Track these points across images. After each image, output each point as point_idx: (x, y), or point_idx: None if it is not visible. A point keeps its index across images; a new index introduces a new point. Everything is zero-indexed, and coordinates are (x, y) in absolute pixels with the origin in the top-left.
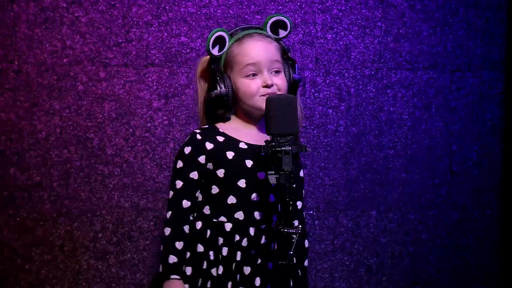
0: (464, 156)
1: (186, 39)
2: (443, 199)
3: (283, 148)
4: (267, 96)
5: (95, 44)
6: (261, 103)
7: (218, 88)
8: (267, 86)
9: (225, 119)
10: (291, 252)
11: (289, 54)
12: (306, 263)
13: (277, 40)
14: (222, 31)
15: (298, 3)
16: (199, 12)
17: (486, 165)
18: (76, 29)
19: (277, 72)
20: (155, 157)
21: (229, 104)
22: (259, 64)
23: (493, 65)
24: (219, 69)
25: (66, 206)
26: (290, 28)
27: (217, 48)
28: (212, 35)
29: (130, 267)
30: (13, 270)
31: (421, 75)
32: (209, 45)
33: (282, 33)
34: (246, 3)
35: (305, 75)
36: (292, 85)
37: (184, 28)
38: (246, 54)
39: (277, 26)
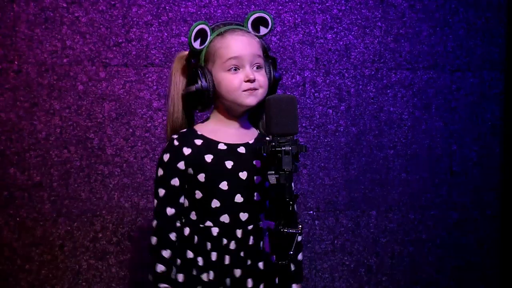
0: (464, 156)
1: (186, 39)
2: (443, 199)
3: (283, 148)
4: (249, 90)
5: (95, 44)
6: (243, 98)
7: (199, 82)
8: (249, 81)
9: (203, 115)
10: (291, 252)
11: (268, 52)
12: (300, 257)
13: (258, 38)
14: (204, 24)
15: (298, 3)
16: (199, 12)
17: (486, 165)
18: (76, 29)
19: (258, 67)
20: (155, 157)
21: (210, 100)
22: (241, 58)
23: (493, 65)
24: (199, 63)
25: (66, 206)
26: (271, 26)
27: (198, 41)
28: (194, 28)
29: (130, 267)
30: (13, 270)
31: (421, 75)
32: (191, 38)
33: (263, 31)
34: (246, 3)
35: (305, 75)
36: (273, 83)
37: (184, 28)
38: (228, 48)
39: (258, 23)
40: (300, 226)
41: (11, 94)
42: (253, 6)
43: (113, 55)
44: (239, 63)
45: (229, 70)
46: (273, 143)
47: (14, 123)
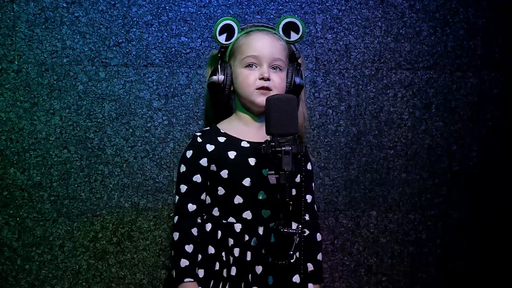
0: (464, 156)
1: (186, 39)
2: (443, 199)
3: (283, 148)
4: (262, 90)
5: (95, 44)
6: (255, 97)
7: (217, 74)
8: (263, 79)
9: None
10: (291, 252)
11: (298, 59)
12: (319, 257)
13: (288, 43)
14: (232, 20)
15: (298, 3)
16: (199, 12)
17: (486, 165)
18: (76, 29)
19: (276, 68)
20: (155, 157)
21: (225, 93)
22: (260, 57)
23: (493, 65)
24: (223, 57)
25: (66, 206)
26: (302, 32)
27: (224, 36)
28: (220, 22)
29: (130, 267)
30: (13, 270)
31: (421, 75)
32: (216, 31)
33: (294, 36)
34: (246, 3)
35: (305, 75)
36: (293, 88)
37: (184, 28)
38: (250, 45)
39: (289, 28)
40: (300, 226)
41: (11, 94)
42: (253, 6)
43: (113, 55)
44: (258, 61)
45: (247, 66)
46: (273, 143)
47: (14, 123)
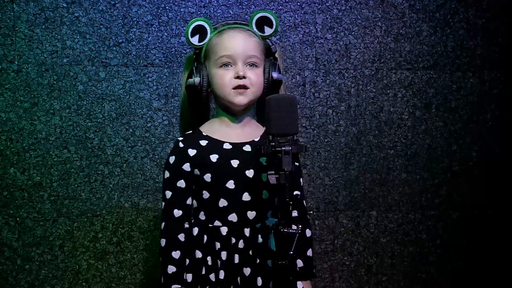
0: (464, 156)
1: None
2: (443, 199)
3: (283, 148)
4: (239, 89)
5: (95, 44)
6: (232, 97)
7: (193, 77)
8: (238, 77)
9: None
10: (291, 252)
11: (275, 53)
12: (309, 253)
13: (263, 38)
14: (203, 21)
15: (298, 3)
16: (199, 12)
17: (486, 165)
18: (76, 29)
19: (252, 65)
20: (155, 157)
21: (202, 95)
22: (234, 56)
23: (493, 65)
24: (199, 59)
25: (66, 206)
26: (276, 26)
27: (197, 37)
28: (191, 24)
29: (130, 267)
30: (13, 270)
31: (421, 75)
32: (188, 33)
33: (268, 31)
34: (246, 3)
35: (305, 75)
36: (272, 84)
37: (184, 28)
38: (222, 45)
39: (263, 23)
40: (300, 226)
41: (11, 94)
42: (253, 6)
43: (113, 55)
44: (232, 60)
45: (221, 66)
46: (273, 143)
47: (14, 123)
